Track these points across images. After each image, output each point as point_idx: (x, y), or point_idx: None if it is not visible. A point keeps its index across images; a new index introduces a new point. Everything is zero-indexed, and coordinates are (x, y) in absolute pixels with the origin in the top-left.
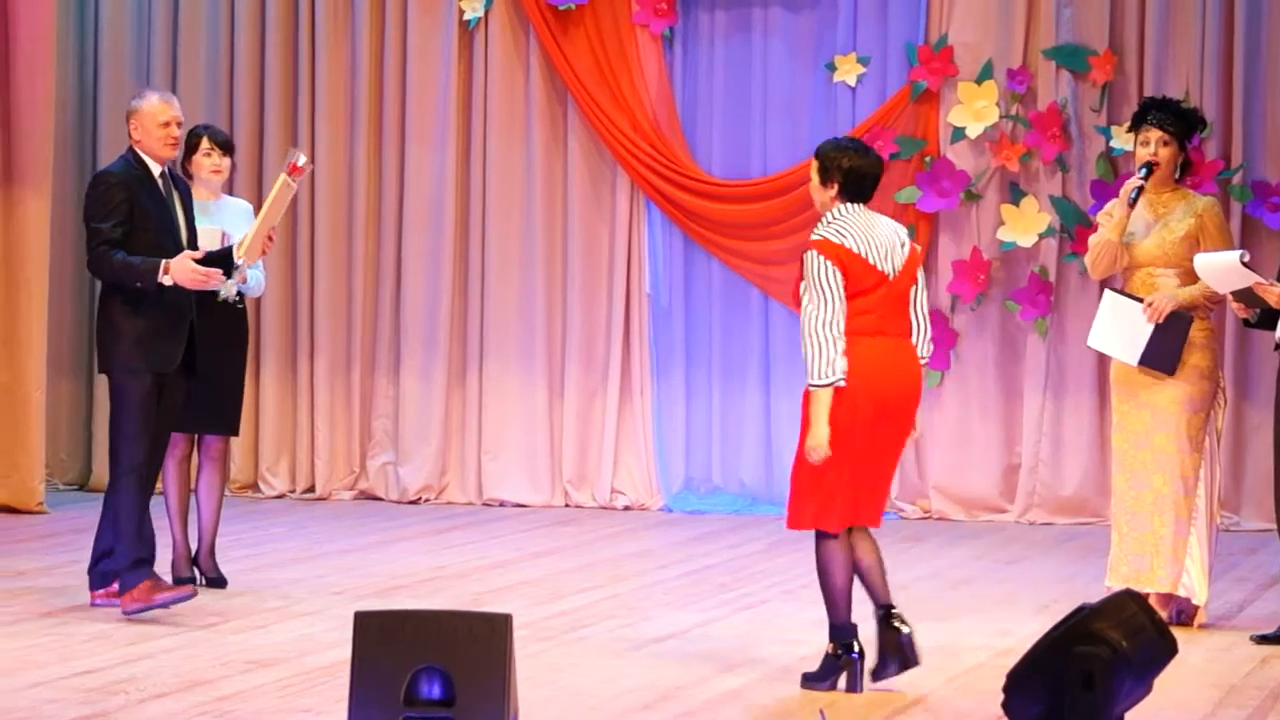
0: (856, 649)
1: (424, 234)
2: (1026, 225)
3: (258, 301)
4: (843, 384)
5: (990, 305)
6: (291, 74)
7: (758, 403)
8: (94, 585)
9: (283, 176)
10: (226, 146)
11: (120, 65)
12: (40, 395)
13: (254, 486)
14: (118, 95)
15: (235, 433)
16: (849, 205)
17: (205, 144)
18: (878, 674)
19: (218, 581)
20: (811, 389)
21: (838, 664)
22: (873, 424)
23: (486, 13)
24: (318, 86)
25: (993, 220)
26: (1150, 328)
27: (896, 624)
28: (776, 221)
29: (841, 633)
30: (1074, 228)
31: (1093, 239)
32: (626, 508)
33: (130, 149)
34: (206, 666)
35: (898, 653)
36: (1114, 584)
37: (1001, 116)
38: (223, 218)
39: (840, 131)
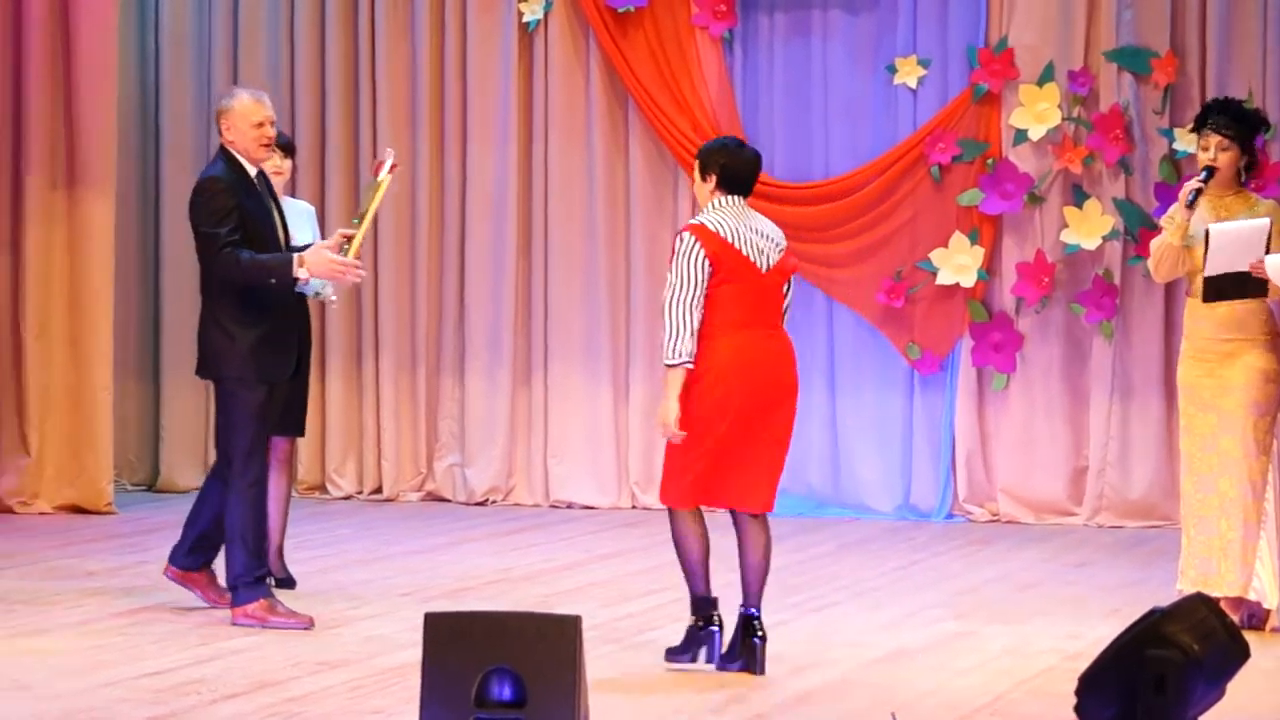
0: (716, 622)
1: (486, 235)
2: (1090, 228)
3: (322, 303)
4: (690, 366)
5: (1055, 308)
6: (352, 75)
7: (823, 404)
8: (177, 563)
9: (387, 178)
10: (288, 148)
11: (181, 67)
12: (107, 396)
13: (321, 488)
14: (179, 96)
15: (301, 433)
16: (728, 198)
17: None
18: (722, 663)
19: (286, 582)
20: (666, 367)
21: (699, 636)
22: (743, 412)
23: (546, 15)
24: (378, 88)
25: (1056, 223)
26: (1245, 266)
27: (756, 630)
28: (839, 224)
29: (701, 605)
30: (1137, 230)
31: (1154, 243)
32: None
33: (224, 149)
34: (277, 667)
35: (748, 656)
36: (1185, 587)
37: (1063, 119)
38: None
39: (902, 135)
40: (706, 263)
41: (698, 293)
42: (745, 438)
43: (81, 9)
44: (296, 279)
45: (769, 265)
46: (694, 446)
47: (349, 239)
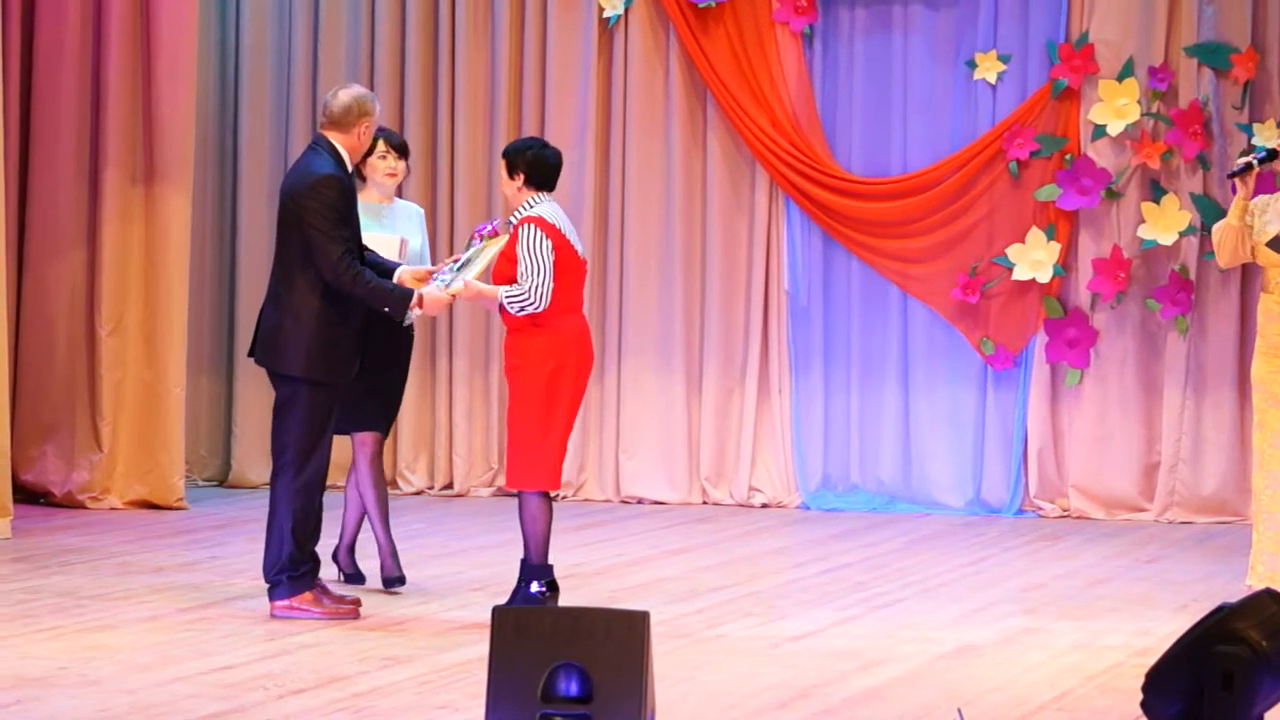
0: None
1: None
2: (1167, 223)
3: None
4: (517, 315)
5: (1130, 303)
6: (431, 72)
7: (896, 400)
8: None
9: (498, 240)
10: (402, 149)
11: (260, 65)
12: (180, 392)
13: (392, 483)
14: (258, 95)
15: (384, 431)
16: (539, 194)
17: (381, 146)
18: None
19: (355, 578)
20: (510, 305)
21: (547, 600)
22: (580, 392)
23: (626, 10)
24: (458, 85)
25: (1133, 218)
26: None
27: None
28: (916, 219)
29: (546, 571)
30: (1214, 225)
31: (1216, 226)
32: (764, 505)
33: (331, 146)
34: (344, 663)
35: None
36: (1255, 583)
37: (1143, 114)
38: (396, 223)
39: (981, 130)
40: (553, 250)
41: (550, 277)
42: (571, 417)
43: (162, 7)
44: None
45: (582, 252)
46: (557, 429)
47: (430, 275)
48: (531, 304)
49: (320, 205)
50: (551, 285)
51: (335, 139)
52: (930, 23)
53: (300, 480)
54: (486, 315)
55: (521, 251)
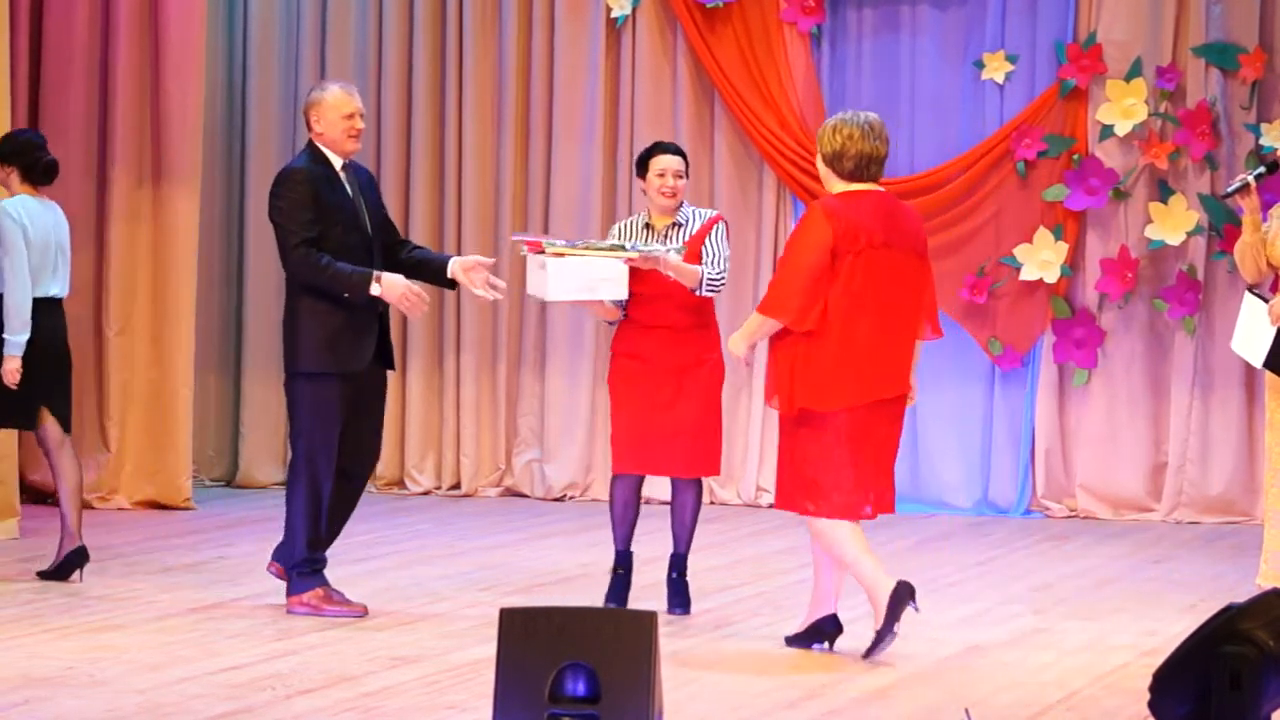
0: None
1: (570, 232)
2: (1175, 223)
3: None
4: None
5: (1138, 303)
6: (439, 73)
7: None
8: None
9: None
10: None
11: (268, 65)
12: (188, 392)
13: (400, 483)
14: (266, 94)
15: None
16: None
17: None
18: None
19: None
20: (708, 280)
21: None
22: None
23: (634, 10)
24: (465, 85)
25: (1141, 218)
26: (1274, 330)
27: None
28: (924, 218)
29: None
30: (1222, 226)
31: (1237, 244)
32: (771, 505)
33: (310, 143)
34: (352, 663)
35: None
36: (1265, 583)
37: (1150, 114)
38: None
39: (988, 130)
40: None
41: None
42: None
43: (170, 7)
44: (371, 296)
45: None
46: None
47: (478, 265)
48: (721, 289)
49: (281, 202)
50: None
51: (313, 137)
52: (938, 23)
53: (309, 473)
54: (494, 314)
55: (717, 242)
